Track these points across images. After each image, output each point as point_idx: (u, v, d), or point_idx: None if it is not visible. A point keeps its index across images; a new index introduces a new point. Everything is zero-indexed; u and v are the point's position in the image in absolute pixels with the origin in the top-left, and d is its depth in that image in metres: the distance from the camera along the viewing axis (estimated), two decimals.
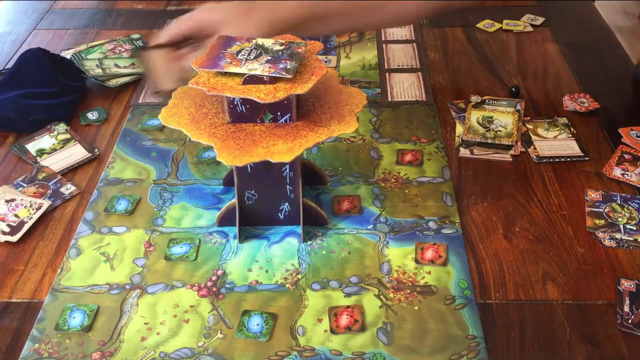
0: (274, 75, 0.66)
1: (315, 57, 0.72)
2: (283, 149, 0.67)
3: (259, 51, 0.70)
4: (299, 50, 0.70)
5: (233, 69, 0.67)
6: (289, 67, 0.67)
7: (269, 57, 0.69)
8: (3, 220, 0.78)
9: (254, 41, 0.72)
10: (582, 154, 0.87)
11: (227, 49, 0.71)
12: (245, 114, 0.70)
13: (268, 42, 0.72)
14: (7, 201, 0.80)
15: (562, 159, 0.86)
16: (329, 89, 0.75)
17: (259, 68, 0.67)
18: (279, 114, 0.70)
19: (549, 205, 0.80)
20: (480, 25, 1.17)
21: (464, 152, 0.88)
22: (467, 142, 0.89)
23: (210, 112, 0.72)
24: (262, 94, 0.66)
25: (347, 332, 0.66)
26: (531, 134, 0.90)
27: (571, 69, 1.05)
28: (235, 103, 0.69)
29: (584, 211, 0.78)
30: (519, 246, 0.74)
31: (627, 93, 1.00)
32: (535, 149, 0.87)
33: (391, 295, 0.69)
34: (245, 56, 0.69)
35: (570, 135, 0.90)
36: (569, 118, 0.93)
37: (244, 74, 0.67)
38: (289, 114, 0.70)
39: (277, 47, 0.71)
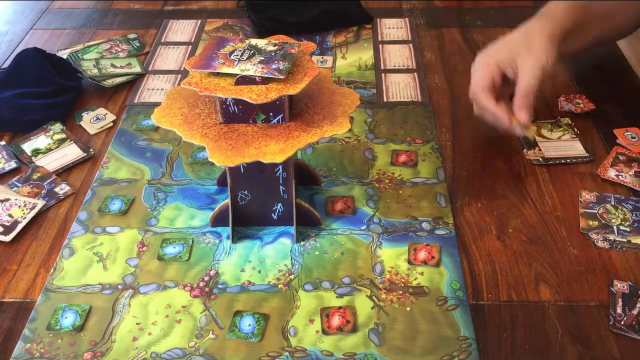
0: (266, 75, 0.67)
1: (308, 57, 0.72)
2: (275, 149, 0.67)
3: (252, 52, 0.70)
4: (292, 50, 0.70)
5: (225, 70, 0.67)
6: (281, 67, 0.67)
7: (262, 58, 0.69)
8: None
9: (247, 42, 0.72)
10: (587, 155, 0.86)
11: (220, 49, 0.71)
12: (237, 114, 0.70)
13: (261, 43, 0.72)
14: (1, 201, 0.80)
15: (568, 160, 0.85)
16: (322, 90, 0.75)
17: (251, 68, 0.67)
18: (271, 114, 0.70)
19: (543, 206, 0.79)
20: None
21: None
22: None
23: (203, 113, 0.72)
24: (254, 95, 0.66)
25: (338, 332, 0.66)
26: (535, 135, 0.89)
27: (567, 70, 1.05)
28: (228, 103, 0.69)
29: (577, 212, 0.78)
30: (512, 247, 0.74)
31: (622, 94, 0.99)
32: (540, 150, 0.87)
33: (383, 296, 0.69)
34: (238, 57, 0.69)
35: (574, 136, 0.89)
36: (570, 118, 0.93)
37: (237, 75, 0.67)
38: (281, 115, 0.70)
39: (270, 48, 0.71)
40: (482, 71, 0.81)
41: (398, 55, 1.10)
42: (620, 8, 0.91)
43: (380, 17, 1.22)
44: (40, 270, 0.73)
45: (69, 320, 0.67)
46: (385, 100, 0.99)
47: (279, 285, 0.71)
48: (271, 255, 0.74)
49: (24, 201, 0.81)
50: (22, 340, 0.65)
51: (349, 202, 0.81)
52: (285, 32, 0.95)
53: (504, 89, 0.82)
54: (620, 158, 0.85)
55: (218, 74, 0.68)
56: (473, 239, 0.76)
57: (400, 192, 0.82)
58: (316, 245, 0.75)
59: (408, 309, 0.68)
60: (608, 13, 0.91)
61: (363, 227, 0.77)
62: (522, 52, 0.79)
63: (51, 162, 0.88)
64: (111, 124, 0.95)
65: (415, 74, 1.06)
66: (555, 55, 0.79)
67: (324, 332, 0.66)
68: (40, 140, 0.91)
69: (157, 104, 0.84)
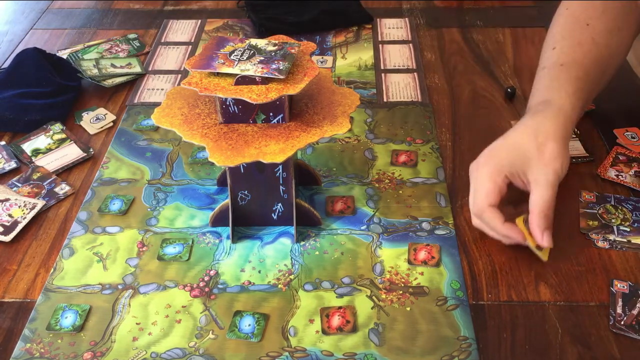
0: (266, 75, 0.67)
1: (308, 57, 0.72)
2: (275, 149, 0.67)
3: (252, 52, 0.70)
4: (292, 50, 0.70)
5: (225, 70, 0.67)
6: (281, 67, 0.67)
7: (262, 58, 0.69)
8: None
9: (247, 42, 0.72)
10: (587, 155, 0.86)
11: (220, 49, 0.71)
12: (237, 114, 0.70)
13: (261, 43, 0.72)
14: (1, 201, 0.80)
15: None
16: (322, 90, 0.75)
17: (251, 68, 0.67)
18: (271, 114, 0.70)
19: None
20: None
21: None
22: None
23: (203, 113, 0.72)
24: (254, 95, 0.66)
25: (338, 332, 0.66)
26: None
27: None
28: (228, 103, 0.69)
29: (577, 212, 0.78)
30: (512, 247, 0.74)
31: (622, 94, 0.99)
32: None
33: (383, 296, 0.69)
34: (238, 57, 0.69)
35: (574, 136, 0.89)
36: None
37: (237, 75, 0.67)
38: (281, 115, 0.70)
39: (270, 48, 0.71)
40: (487, 185, 0.70)
41: (398, 55, 1.11)
42: (616, 57, 0.83)
43: (380, 17, 1.22)
44: (40, 270, 0.73)
45: (69, 320, 0.67)
46: (385, 100, 1.00)
47: (279, 285, 0.71)
48: (271, 255, 0.74)
49: (24, 201, 0.81)
50: (22, 340, 0.65)
51: (349, 202, 0.81)
52: (285, 32, 0.95)
53: (507, 194, 0.72)
54: (620, 158, 0.85)
55: (218, 74, 0.68)
56: (473, 239, 0.76)
57: (400, 192, 0.82)
58: (316, 245, 0.75)
59: (408, 309, 0.68)
60: (608, 69, 0.82)
61: (363, 227, 0.77)
62: (533, 161, 0.69)
63: (51, 162, 0.88)
64: (111, 124, 0.95)
65: (415, 74, 1.06)
66: (568, 155, 0.71)
67: (324, 332, 0.66)
68: (40, 140, 0.91)
69: (157, 104, 0.84)
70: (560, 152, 0.69)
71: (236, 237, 0.76)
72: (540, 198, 0.68)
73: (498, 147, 0.73)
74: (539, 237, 0.69)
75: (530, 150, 0.70)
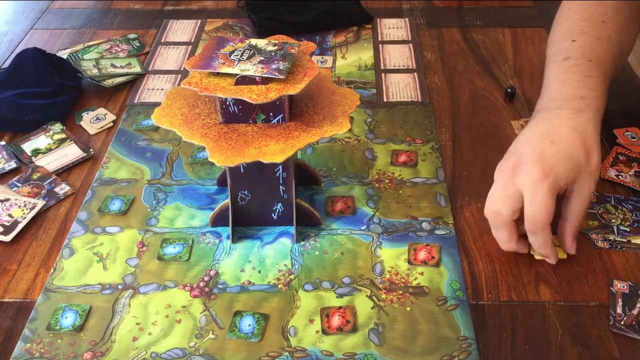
0: (266, 75, 0.67)
1: (308, 57, 0.72)
2: (275, 149, 0.67)
3: (252, 52, 0.70)
4: (292, 50, 0.70)
5: (225, 70, 0.67)
6: (281, 67, 0.67)
7: (262, 58, 0.69)
8: None
9: (247, 42, 0.72)
10: None
11: (220, 49, 0.71)
12: (237, 114, 0.70)
13: (261, 43, 0.72)
14: (1, 201, 0.81)
15: None
16: (322, 90, 0.75)
17: (251, 68, 0.67)
18: (271, 114, 0.70)
19: None
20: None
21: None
22: None
23: (203, 113, 0.72)
24: (254, 95, 0.66)
25: (338, 332, 0.66)
26: None
27: None
28: (228, 103, 0.69)
29: None
30: None
31: (622, 94, 0.99)
32: None
33: (383, 296, 0.69)
34: (238, 57, 0.69)
35: None
36: None
37: (237, 75, 0.67)
38: (281, 115, 0.70)
39: (270, 48, 0.71)
40: (550, 202, 0.66)
41: (398, 55, 1.10)
42: (623, 57, 0.83)
43: (380, 17, 1.22)
44: (40, 270, 0.73)
45: (69, 320, 0.67)
46: (385, 100, 1.00)
47: (279, 285, 0.71)
48: (271, 255, 0.74)
49: (24, 201, 0.81)
50: (22, 340, 0.65)
51: (349, 202, 0.81)
52: (285, 32, 0.95)
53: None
54: (620, 158, 0.85)
55: (218, 74, 0.68)
56: (473, 239, 0.76)
57: (400, 192, 0.82)
58: (316, 245, 0.75)
59: (408, 309, 0.68)
60: (616, 69, 0.81)
61: (363, 227, 0.77)
62: (581, 171, 0.67)
63: (51, 162, 0.88)
64: (111, 124, 0.95)
65: (415, 74, 1.06)
66: None
67: (324, 332, 0.66)
68: (40, 140, 0.91)
69: (157, 104, 0.84)
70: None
71: (236, 237, 0.76)
72: (580, 208, 0.69)
73: (551, 155, 0.67)
74: (570, 244, 0.71)
75: (581, 161, 0.67)
